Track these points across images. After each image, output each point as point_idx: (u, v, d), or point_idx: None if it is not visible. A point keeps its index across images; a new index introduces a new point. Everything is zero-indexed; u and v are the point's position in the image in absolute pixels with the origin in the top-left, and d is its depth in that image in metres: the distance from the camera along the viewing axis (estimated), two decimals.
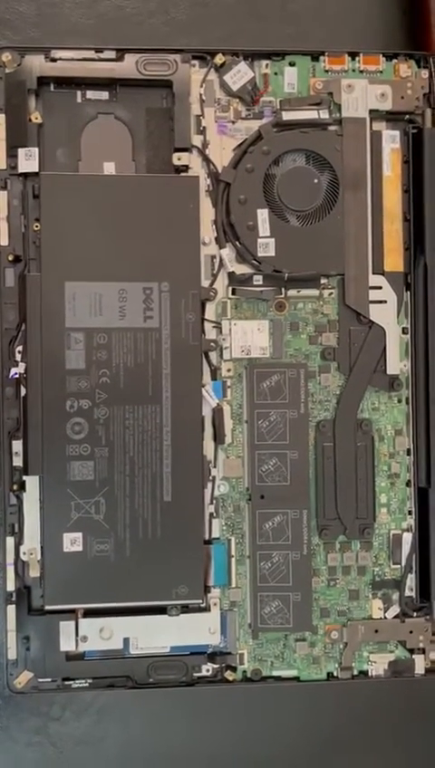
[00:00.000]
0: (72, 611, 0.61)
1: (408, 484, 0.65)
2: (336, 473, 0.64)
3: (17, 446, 0.61)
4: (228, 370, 0.64)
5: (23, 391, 0.61)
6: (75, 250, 0.61)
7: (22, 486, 0.61)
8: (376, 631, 0.64)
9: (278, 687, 0.64)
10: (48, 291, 0.60)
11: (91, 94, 0.63)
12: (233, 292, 0.64)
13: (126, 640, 0.62)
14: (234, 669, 0.63)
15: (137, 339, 0.61)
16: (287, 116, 0.64)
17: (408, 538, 0.65)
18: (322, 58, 0.64)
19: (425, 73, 0.65)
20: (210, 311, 0.63)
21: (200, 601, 0.62)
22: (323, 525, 0.64)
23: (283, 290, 0.64)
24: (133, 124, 0.63)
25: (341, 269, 0.64)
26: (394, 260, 0.65)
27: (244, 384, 0.64)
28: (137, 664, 0.62)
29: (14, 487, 0.61)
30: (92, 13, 0.63)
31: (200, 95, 0.63)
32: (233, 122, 0.64)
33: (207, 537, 0.63)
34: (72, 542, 0.60)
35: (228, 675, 0.63)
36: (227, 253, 0.63)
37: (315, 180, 0.64)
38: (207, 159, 0.63)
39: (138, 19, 0.63)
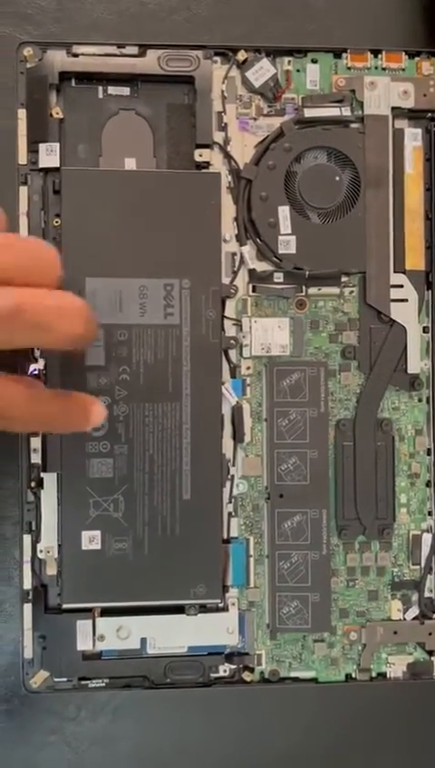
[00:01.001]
0: (90, 610, 0.61)
1: (428, 484, 0.64)
2: (356, 472, 0.63)
3: (36, 442, 0.61)
4: (248, 368, 0.63)
5: None
6: (96, 246, 0.60)
7: (40, 484, 0.61)
8: (395, 633, 0.64)
9: (296, 689, 0.63)
10: (68, 287, 0.59)
11: (112, 90, 0.63)
12: (253, 290, 0.63)
13: (143, 640, 0.61)
14: (251, 670, 0.63)
15: (157, 335, 0.61)
16: (309, 113, 0.63)
17: (428, 539, 0.64)
18: (344, 55, 0.64)
19: None
20: (230, 308, 0.63)
21: (219, 601, 0.62)
22: (342, 525, 0.63)
23: (303, 287, 0.63)
24: (155, 120, 0.63)
25: (362, 267, 0.64)
26: (416, 258, 0.64)
27: (263, 382, 0.63)
28: (154, 664, 0.61)
29: (32, 484, 0.61)
30: (114, 8, 0.62)
31: (222, 91, 0.63)
32: (255, 119, 0.63)
33: (225, 536, 0.62)
34: (91, 539, 0.60)
35: (246, 675, 0.63)
36: (248, 250, 0.63)
37: (337, 178, 0.63)
38: (228, 156, 0.63)
39: (160, 15, 0.63)
